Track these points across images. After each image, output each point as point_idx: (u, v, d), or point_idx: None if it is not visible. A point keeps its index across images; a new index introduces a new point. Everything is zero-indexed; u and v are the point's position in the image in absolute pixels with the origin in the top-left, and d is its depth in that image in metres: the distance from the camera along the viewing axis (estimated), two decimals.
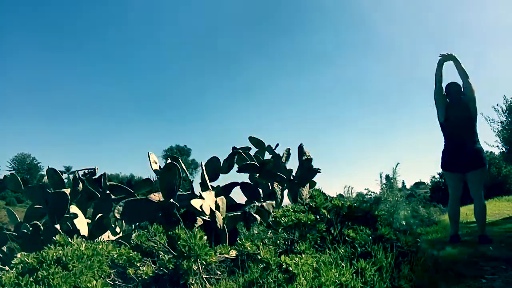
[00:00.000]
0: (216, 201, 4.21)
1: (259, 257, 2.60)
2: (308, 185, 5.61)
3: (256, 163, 5.18)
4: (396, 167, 5.86)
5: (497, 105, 13.54)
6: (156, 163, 4.80)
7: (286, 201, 5.48)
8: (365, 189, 8.12)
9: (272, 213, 4.23)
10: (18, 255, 2.42)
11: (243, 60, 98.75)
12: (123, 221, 4.81)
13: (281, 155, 5.61)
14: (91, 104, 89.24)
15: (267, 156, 5.80)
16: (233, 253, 2.91)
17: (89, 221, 4.50)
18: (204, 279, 2.68)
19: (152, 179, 5.28)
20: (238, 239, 3.31)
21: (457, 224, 4.59)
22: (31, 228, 4.15)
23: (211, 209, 3.97)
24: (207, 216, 4.04)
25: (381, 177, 6.23)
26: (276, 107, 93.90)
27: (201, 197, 4.02)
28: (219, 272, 2.90)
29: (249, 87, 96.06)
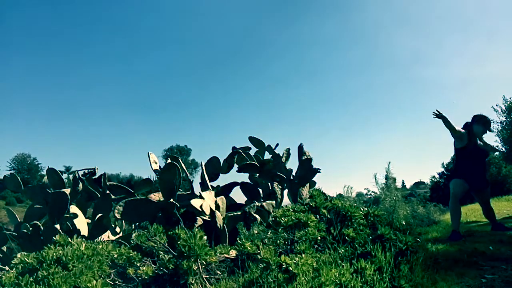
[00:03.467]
0: (216, 201, 4.21)
1: (259, 257, 2.60)
2: (308, 185, 5.61)
3: (256, 163, 5.18)
4: (388, 166, 5.84)
5: (497, 105, 13.61)
6: (156, 163, 4.80)
7: (286, 201, 5.48)
8: (364, 189, 8.13)
9: (272, 213, 4.23)
10: (18, 255, 2.42)
11: (244, 61, 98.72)
12: (123, 221, 4.81)
13: (281, 155, 5.61)
14: (91, 104, 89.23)
15: (267, 156, 5.80)
16: (233, 253, 2.91)
17: (89, 221, 4.50)
18: (204, 279, 2.69)
19: (152, 179, 5.28)
20: (238, 239, 3.31)
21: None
22: (31, 228, 4.15)
23: (211, 209, 3.97)
24: (207, 216, 4.05)
25: (375, 178, 6.22)
26: (276, 107, 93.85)
27: (201, 197, 4.02)
28: (219, 272, 2.90)
29: (249, 87, 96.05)
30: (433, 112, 4.74)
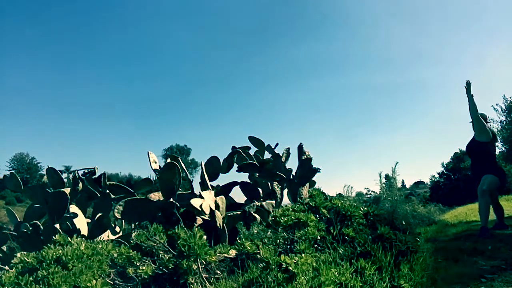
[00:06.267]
0: (215, 201, 4.21)
1: (259, 256, 2.60)
2: (307, 184, 5.61)
3: (255, 163, 5.18)
4: (395, 166, 5.85)
5: (497, 104, 13.63)
6: (155, 162, 4.80)
7: (285, 200, 5.49)
8: (364, 188, 8.12)
9: (272, 213, 4.23)
10: (18, 255, 2.42)
11: (244, 61, 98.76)
12: (123, 221, 4.81)
13: (281, 154, 5.61)
14: (91, 104, 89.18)
15: (267, 155, 5.80)
16: (233, 252, 2.91)
17: (89, 220, 4.50)
18: (204, 278, 2.69)
19: (152, 179, 5.28)
20: (238, 238, 3.31)
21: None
22: (31, 228, 4.15)
23: (210, 208, 3.97)
24: (206, 216, 4.05)
25: (380, 176, 6.23)
26: (276, 107, 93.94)
27: (200, 196, 4.02)
28: (219, 272, 2.90)
29: (250, 87, 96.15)
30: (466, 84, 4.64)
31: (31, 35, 77.90)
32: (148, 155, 4.72)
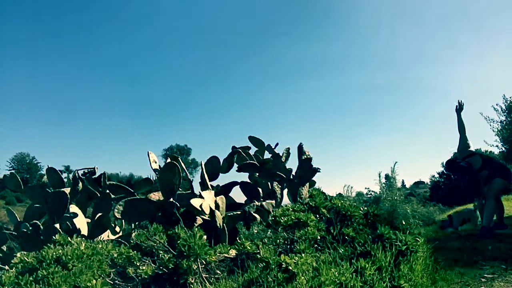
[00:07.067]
0: (215, 201, 4.21)
1: (258, 256, 2.60)
2: (307, 184, 5.61)
3: (255, 163, 5.18)
4: (394, 166, 5.85)
5: (497, 104, 13.58)
6: (155, 162, 4.79)
7: (285, 200, 5.49)
8: (365, 188, 8.11)
9: (272, 213, 4.23)
10: (18, 255, 2.42)
11: (244, 61, 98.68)
12: (123, 221, 4.81)
13: (281, 154, 5.61)
14: (91, 103, 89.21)
15: (267, 155, 5.80)
16: (232, 252, 2.91)
17: (89, 220, 4.50)
18: (204, 278, 2.69)
19: (152, 179, 5.28)
20: (237, 238, 3.31)
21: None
22: (30, 228, 4.14)
23: (210, 208, 3.97)
24: (206, 216, 4.05)
25: (379, 176, 6.22)
26: (276, 107, 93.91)
27: (200, 196, 4.02)
28: (218, 272, 2.90)
29: (249, 87, 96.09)
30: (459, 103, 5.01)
31: (32, 36, 77.87)
32: (148, 155, 4.72)
